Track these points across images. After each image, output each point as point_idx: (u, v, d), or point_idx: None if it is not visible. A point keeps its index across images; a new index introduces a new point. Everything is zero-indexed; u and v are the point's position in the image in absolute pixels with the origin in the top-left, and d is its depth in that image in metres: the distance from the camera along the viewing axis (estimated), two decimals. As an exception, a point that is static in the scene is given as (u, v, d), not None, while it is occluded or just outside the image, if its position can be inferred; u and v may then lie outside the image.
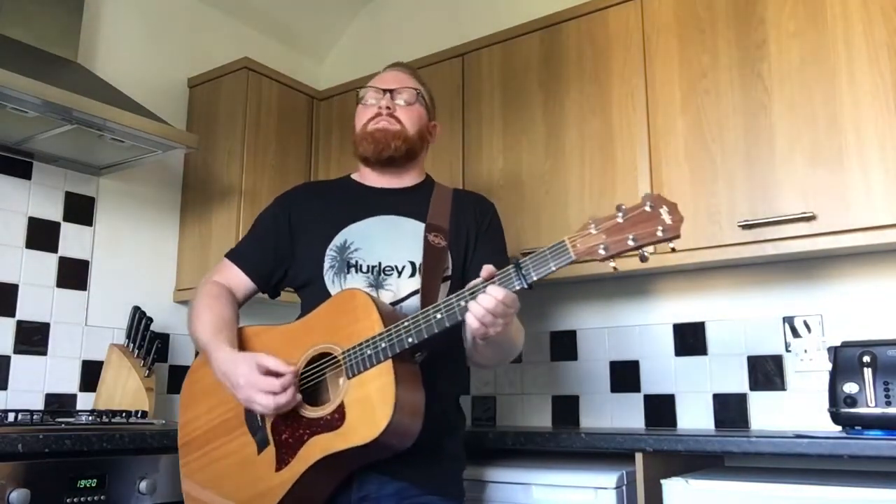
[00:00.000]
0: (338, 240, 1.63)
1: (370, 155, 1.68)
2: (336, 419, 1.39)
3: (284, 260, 1.70)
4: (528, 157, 2.37)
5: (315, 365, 1.48)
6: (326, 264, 1.62)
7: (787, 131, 1.95)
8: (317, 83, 3.11)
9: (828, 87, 1.91)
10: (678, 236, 1.23)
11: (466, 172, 2.48)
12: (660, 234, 1.23)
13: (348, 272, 1.60)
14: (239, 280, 1.70)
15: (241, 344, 1.57)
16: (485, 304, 1.31)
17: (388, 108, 1.67)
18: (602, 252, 1.26)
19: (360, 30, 3.36)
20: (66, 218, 2.40)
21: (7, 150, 2.25)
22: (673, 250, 1.26)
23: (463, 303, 1.34)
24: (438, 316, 1.36)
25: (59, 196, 2.39)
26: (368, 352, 1.39)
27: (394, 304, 1.56)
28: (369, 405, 1.37)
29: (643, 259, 1.26)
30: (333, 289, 1.59)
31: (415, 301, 1.56)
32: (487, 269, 1.34)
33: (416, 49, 2.79)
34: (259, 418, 1.49)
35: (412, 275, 1.59)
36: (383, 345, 1.38)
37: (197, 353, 2.66)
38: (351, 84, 2.80)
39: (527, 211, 2.33)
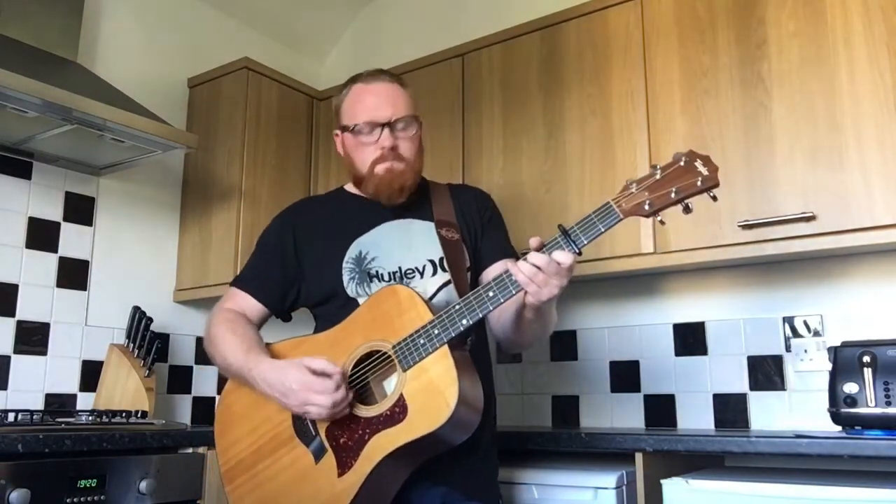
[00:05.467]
0: (351, 252, 1.61)
1: (381, 199, 1.61)
2: (398, 413, 1.38)
3: (295, 280, 1.66)
4: (528, 157, 2.37)
5: (362, 366, 1.46)
6: (346, 277, 1.59)
7: (787, 131, 1.95)
8: (317, 83, 3.10)
9: (828, 87, 1.91)
10: (717, 184, 1.29)
11: (466, 172, 2.48)
12: (699, 184, 1.29)
13: (371, 282, 1.58)
14: (252, 307, 1.65)
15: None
16: (534, 260, 1.31)
17: (391, 147, 1.57)
18: (647, 208, 1.30)
19: (360, 30, 3.36)
20: (66, 218, 2.40)
21: (7, 150, 2.25)
22: (714, 198, 1.31)
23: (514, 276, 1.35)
24: (491, 294, 1.37)
25: (59, 196, 2.39)
26: (422, 341, 1.38)
27: None
28: (434, 390, 1.36)
29: (687, 210, 1.30)
30: (361, 299, 1.57)
31: (442, 296, 1.56)
32: (535, 239, 1.34)
33: (416, 49, 2.79)
34: (312, 427, 1.46)
35: (434, 273, 1.58)
36: (436, 331, 1.38)
37: (197, 355, 2.69)
38: (351, 84, 2.79)
39: (527, 211, 2.33)
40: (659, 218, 1.32)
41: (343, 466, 1.41)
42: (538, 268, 1.32)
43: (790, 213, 1.90)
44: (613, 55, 2.26)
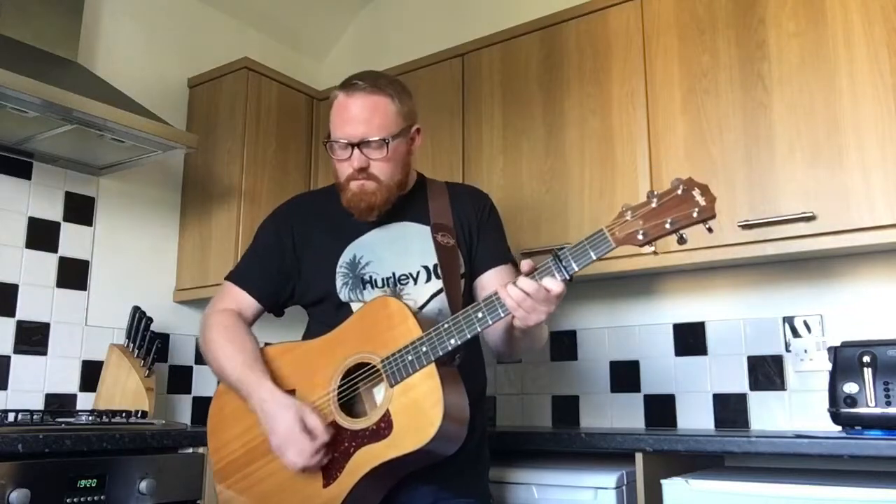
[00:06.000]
0: (346, 255, 1.60)
1: (354, 214, 1.59)
2: (383, 428, 1.38)
3: (290, 278, 1.66)
4: (528, 157, 2.37)
5: (352, 377, 1.46)
6: (339, 281, 1.59)
7: (787, 131, 1.95)
8: (317, 83, 3.10)
9: (828, 87, 1.91)
10: (713, 216, 1.27)
11: (466, 172, 2.48)
12: (695, 215, 1.26)
13: (364, 288, 1.57)
14: (246, 303, 1.65)
15: (267, 365, 1.53)
16: (524, 286, 1.31)
17: (360, 168, 1.54)
18: (641, 238, 1.28)
19: (360, 30, 3.36)
20: (66, 218, 2.40)
21: (7, 150, 2.25)
22: (710, 230, 1.29)
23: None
24: (480, 315, 1.36)
25: (59, 196, 2.39)
26: (409, 357, 1.38)
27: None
28: (418, 410, 1.36)
29: (682, 241, 1.29)
30: (354, 304, 1.57)
31: (435, 304, 1.55)
32: (527, 263, 1.33)
33: (416, 49, 2.79)
34: None
35: (428, 280, 1.57)
36: (424, 349, 1.37)
37: (197, 355, 2.69)
38: (351, 84, 2.79)
39: (527, 211, 2.33)
40: (653, 248, 1.31)
41: (328, 478, 1.42)
42: (527, 293, 1.31)
43: (790, 213, 1.90)
44: (613, 55, 2.26)
